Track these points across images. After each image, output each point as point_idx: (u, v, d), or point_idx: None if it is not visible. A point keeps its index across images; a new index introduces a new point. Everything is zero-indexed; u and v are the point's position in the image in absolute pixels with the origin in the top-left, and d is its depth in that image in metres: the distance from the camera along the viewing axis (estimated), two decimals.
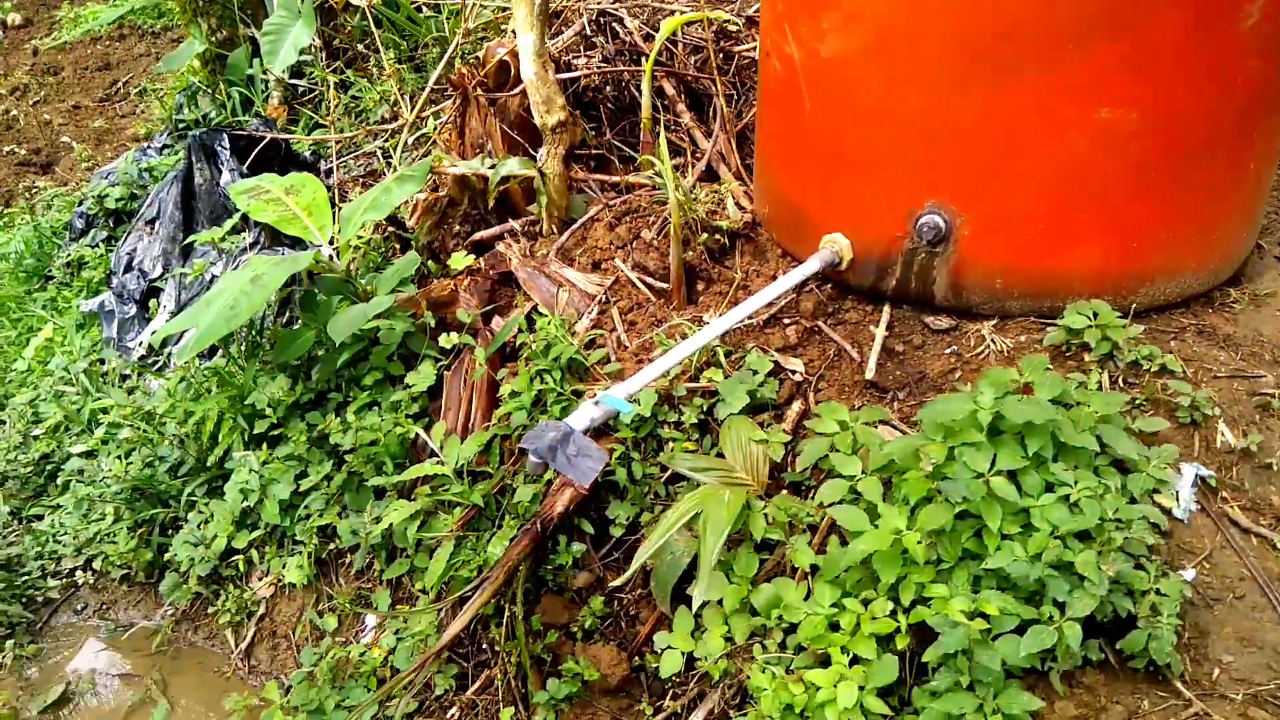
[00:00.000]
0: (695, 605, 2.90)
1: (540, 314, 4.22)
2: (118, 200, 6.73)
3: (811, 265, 3.77)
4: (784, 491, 3.47)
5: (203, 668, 4.26)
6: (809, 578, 3.13)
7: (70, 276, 6.38)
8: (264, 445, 4.31)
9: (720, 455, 3.56)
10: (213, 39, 7.21)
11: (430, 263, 5.13)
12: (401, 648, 3.51)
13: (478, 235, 4.89)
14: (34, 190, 8.18)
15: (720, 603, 3.14)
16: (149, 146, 7.03)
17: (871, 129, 3.55)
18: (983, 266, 3.59)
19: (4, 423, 5.36)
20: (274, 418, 4.31)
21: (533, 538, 3.51)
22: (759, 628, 3.11)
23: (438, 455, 3.90)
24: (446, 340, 4.28)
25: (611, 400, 3.18)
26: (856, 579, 2.94)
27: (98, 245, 6.45)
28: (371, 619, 3.96)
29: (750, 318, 3.92)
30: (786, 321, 4.02)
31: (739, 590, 3.11)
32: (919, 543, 2.76)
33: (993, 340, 3.63)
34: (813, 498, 3.38)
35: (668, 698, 3.40)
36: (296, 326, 4.53)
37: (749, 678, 2.99)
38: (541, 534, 3.53)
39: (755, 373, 3.74)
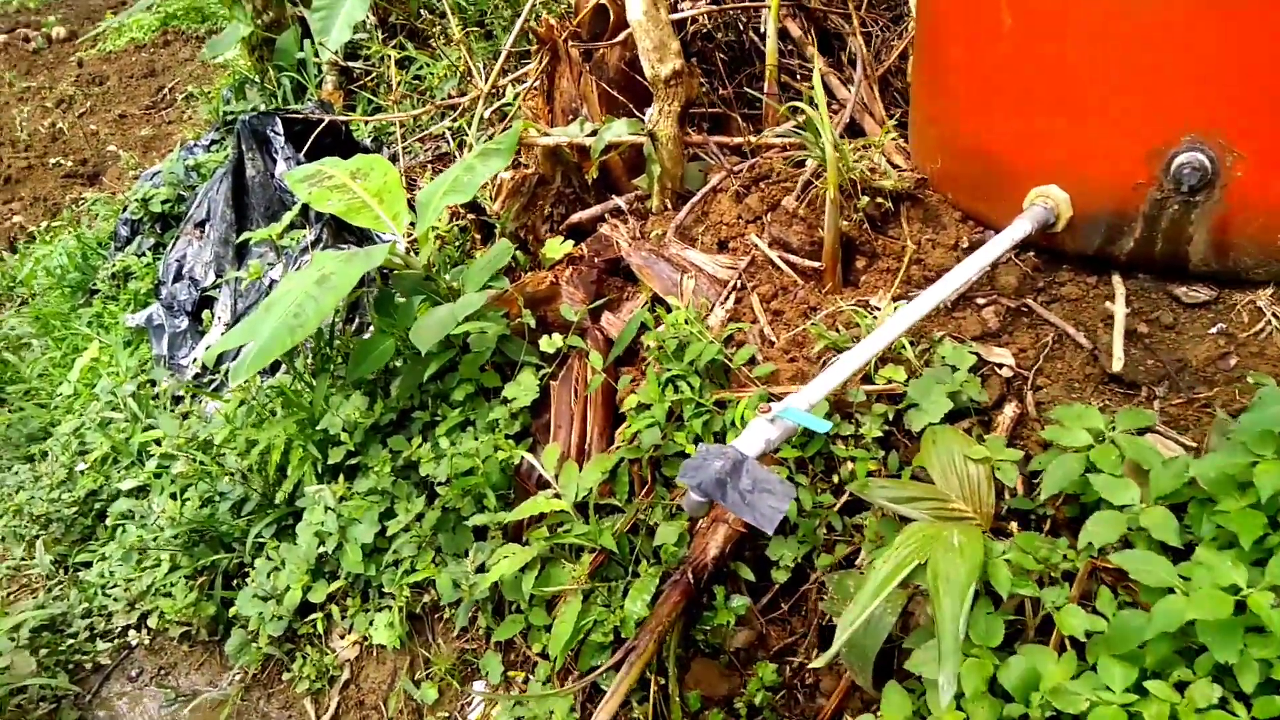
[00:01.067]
0: (944, 694, 2.12)
1: (661, 307, 3.45)
2: (164, 203, 6.16)
3: (1021, 227, 2.95)
4: (1014, 525, 2.66)
5: None
6: (1069, 647, 2.33)
7: (116, 289, 5.82)
8: (340, 478, 3.64)
9: (917, 478, 2.77)
10: (258, 22, 6.61)
11: (518, 254, 4.42)
12: None
13: (575, 217, 4.16)
14: (80, 201, 7.69)
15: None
16: (195, 144, 6.45)
17: (1107, 44, 2.71)
18: (1261, 218, 2.74)
19: (47, 455, 4.79)
20: (350, 444, 3.63)
21: (685, 592, 2.77)
22: (1009, 716, 2.31)
23: (551, 485, 3.17)
24: (549, 344, 3.56)
25: (796, 415, 2.41)
26: (1162, 654, 2.13)
27: (144, 254, 5.88)
28: (480, 689, 3.25)
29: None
30: (981, 302, 3.20)
31: (981, 666, 2.31)
32: (1274, 606, 1.94)
33: (1275, 314, 2.78)
34: (1062, 536, 2.57)
35: None
36: (370, 335, 3.83)
37: None
38: (694, 586, 2.78)
39: (954, 369, 2.93)
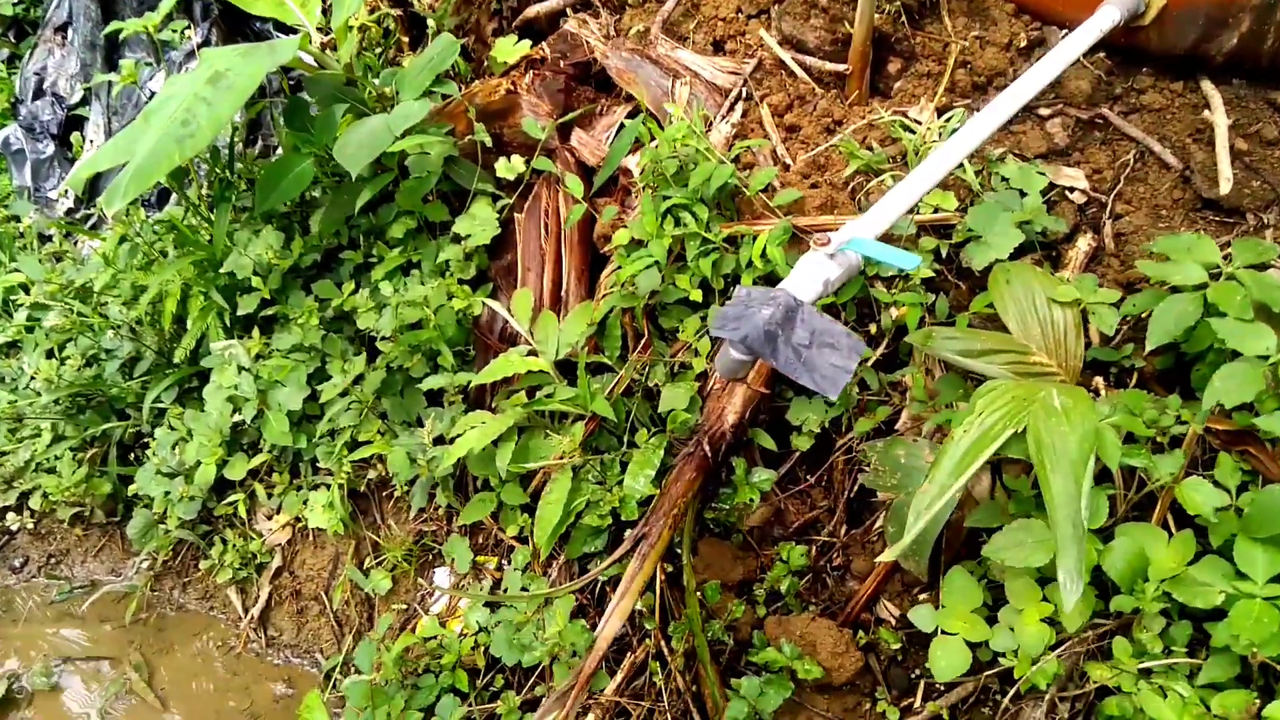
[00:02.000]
0: (1069, 593, 1.70)
1: (652, 122, 2.81)
2: (16, 4, 5.12)
3: (1109, 15, 2.39)
4: (1098, 380, 2.23)
5: (201, 642, 3.09)
6: (1174, 529, 1.95)
7: None
8: (255, 331, 2.98)
9: (976, 326, 2.31)
10: None
11: (460, 60, 3.66)
12: (500, 634, 2.32)
13: (530, 11, 3.42)
14: None
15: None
16: None
17: None
18: None
19: None
20: (265, 291, 2.97)
21: (701, 466, 2.29)
22: (1119, 610, 1.94)
23: (522, 340, 2.61)
24: (508, 168, 2.91)
25: (867, 247, 1.87)
26: None
27: None
28: (444, 577, 2.77)
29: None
30: (1044, 113, 2.66)
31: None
32: None
33: None
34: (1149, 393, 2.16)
35: (927, 698, 2.27)
36: (278, 155, 3.11)
37: (1101, 689, 1.85)
38: (712, 459, 2.30)
39: (1022, 194, 2.41)
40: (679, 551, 2.35)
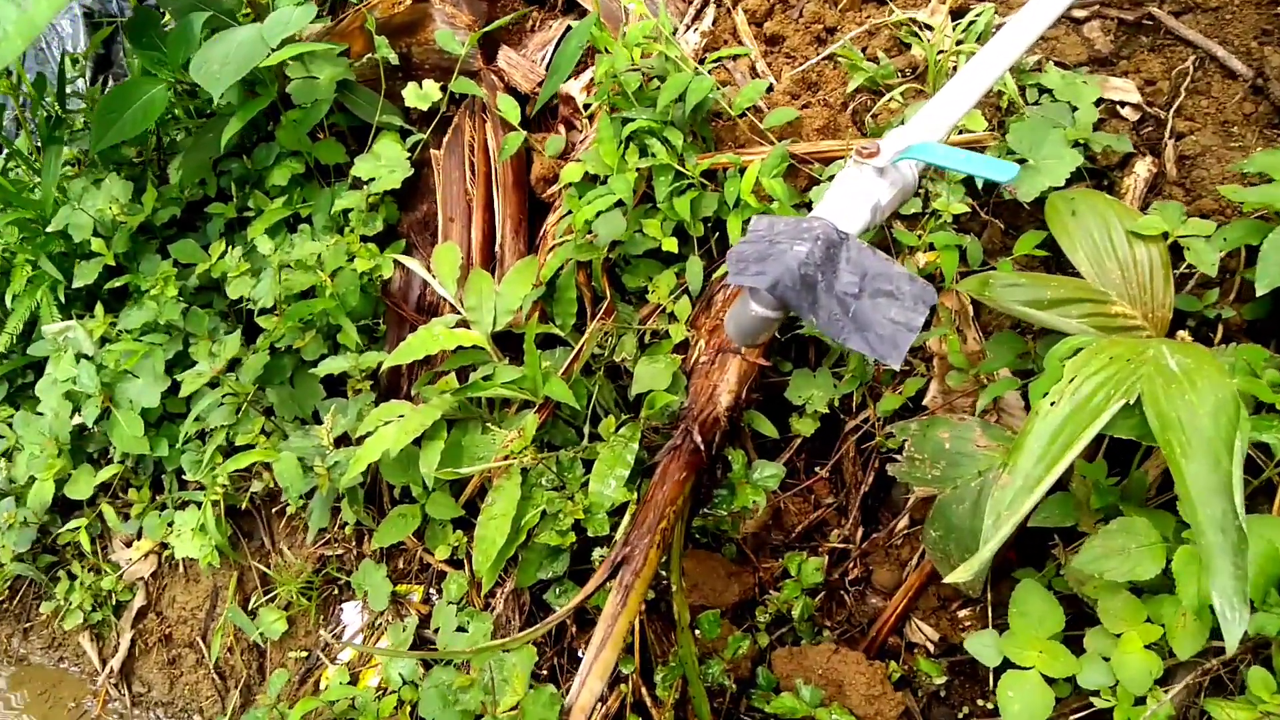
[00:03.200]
0: (1233, 627, 1.25)
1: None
2: None
3: None
4: (1183, 335, 1.79)
5: (47, 702, 2.46)
6: None
7: None
8: (98, 308, 2.35)
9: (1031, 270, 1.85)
10: None
11: None
12: (432, 695, 1.78)
13: None
14: None
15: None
16: None
17: None
18: None
19: None
20: (109, 256, 2.33)
21: (692, 464, 1.77)
22: (1259, 630, 1.50)
23: (450, 306, 2.05)
24: (419, 96, 2.33)
25: (939, 154, 1.38)
26: None
27: None
28: (352, 616, 2.20)
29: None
30: (1081, 14, 2.21)
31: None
32: None
33: None
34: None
35: None
36: (126, 80, 2.47)
37: None
38: (705, 452, 1.79)
39: (1072, 108, 1.96)
40: (665, 574, 1.84)
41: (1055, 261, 1.92)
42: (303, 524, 2.26)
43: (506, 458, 1.88)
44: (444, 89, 2.36)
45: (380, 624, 2.17)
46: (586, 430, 1.99)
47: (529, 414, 1.84)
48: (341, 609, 2.24)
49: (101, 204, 2.40)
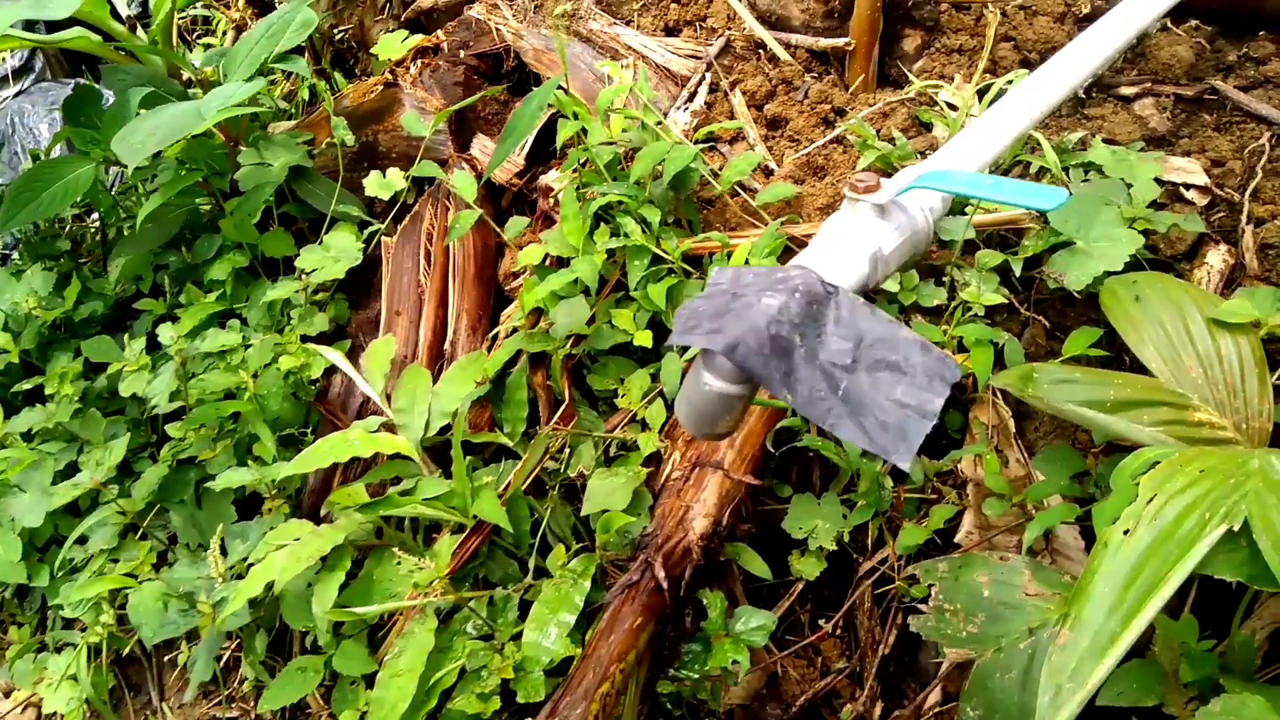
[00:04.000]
0: None
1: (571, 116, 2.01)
2: None
3: None
4: None
5: None
6: None
7: None
8: None
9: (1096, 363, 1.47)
10: None
11: (338, 75, 2.90)
12: None
13: (426, 1, 2.66)
14: None
15: None
16: None
17: None
18: None
19: None
20: (14, 354, 2.05)
21: (651, 608, 1.38)
22: None
23: (379, 411, 1.72)
24: (381, 184, 2.08)
25: (961, 181, 1.04)
26: None
27: None
28: None
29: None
30: (1128, 91, 1.92)
31: None
32: None
33: None
34: None
35: None
36: (52, 158, 2.26)
37: None
38: (670, 593, 1.39)
39: (1126, 185, 1.64)
40: None
41: (1114, 366, 1.55)
42: (192, 671, 1.85)
43: (424, 594, 1.49)
44: (408, 174, 2.11)
45: None
46: (533, 564, 1.60)
47: (447, 539, 1.46)
48: None
49: (19, 297, 2.15)
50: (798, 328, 0.97)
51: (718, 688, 1.57)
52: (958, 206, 1.74)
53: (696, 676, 1.46)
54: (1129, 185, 1.66)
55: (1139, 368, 1.41)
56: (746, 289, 1.00)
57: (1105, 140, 1.82)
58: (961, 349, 1.64)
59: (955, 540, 1.61)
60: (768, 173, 2.00)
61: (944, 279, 1.70)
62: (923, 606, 1.44)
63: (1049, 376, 1.33)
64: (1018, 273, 1.66)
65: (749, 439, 1.62)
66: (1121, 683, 1.27)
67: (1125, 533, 1.08)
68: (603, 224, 1.78)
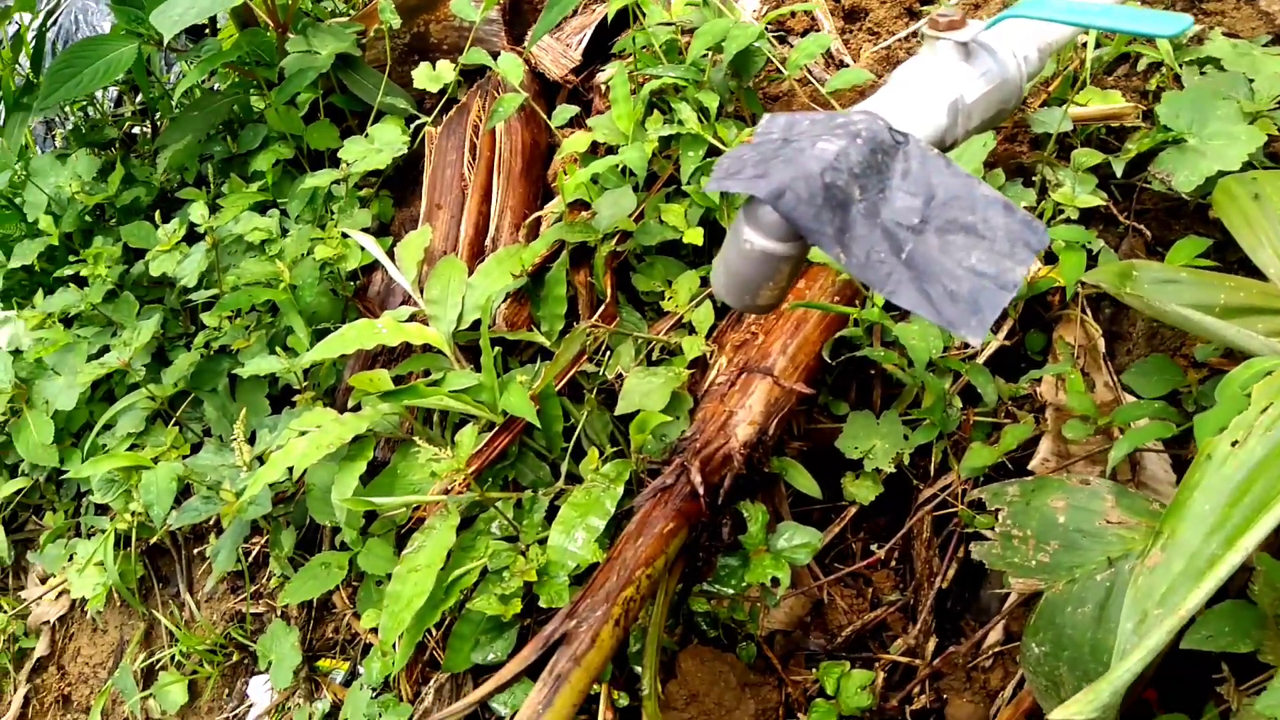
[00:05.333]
0: None
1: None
2: None
3: None
4: None
5: None
6: None
7: None
8: (39, 295, 2.02)
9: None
10: None
11: None
12: None
13: None
14: None
15: None
16: None
17: None
18: None
19: None
20: (55, 236, 2.01)
21: (685, 514, 1.26)
22: None
23: (410, 299, 1.63)
24: (430, 76, 1.96)
25: (1063, 9, 0.88)
26: None
27: None
28: (260, 690, 1.72)
29: None
30: None
31: None
32: None
33: None
34: None
35: None
36: (94, 35, 2.21)
37: None
38: (707, 503, 1.27)
39: (1248, 81, 1.45)
40: (640, 671, 1.31)
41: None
42: (217, 565, 1.81)
43: (446, 490, 1.41)
44: (456, 66, 2.00)
45: (290, 706, 1.69)
46: (565, 468, 1.51)
47: (468, 431, 1.37)
48: (249, 682, 1.77)
49: (63, 180, 2.11)
50: (858, 178, 0.84)
51: (756, 610, 1.46)
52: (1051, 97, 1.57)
53: (732, 593, 1.36)
54: (1250, 81, 1.46)
55: (1253, 276, 1.24)
56: (800, 135, 0.87)
57: (1225, 33, 1.61)
58: (1050, 259, 1.48)
59: (1029, 468, 1.46)
60: (841, 67, 1.84)
61: (1034, 179, 1.53)
62: (987, 534, 1.30)
63: (1151, 275, 1.17)
64: (1119, 174, 1.49)
65: (804, 346, 1.48)
66: (1212, 624, 1.13)
67: (1233, 444, 0.93)
68: (656, 111, 1.65)
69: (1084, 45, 1.64)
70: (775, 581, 1.32)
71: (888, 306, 1.46)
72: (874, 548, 1.54)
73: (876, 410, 1.56)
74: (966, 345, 1.54)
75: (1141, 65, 1.68)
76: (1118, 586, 1.18)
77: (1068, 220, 1.45)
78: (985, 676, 1.46)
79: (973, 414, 1.52)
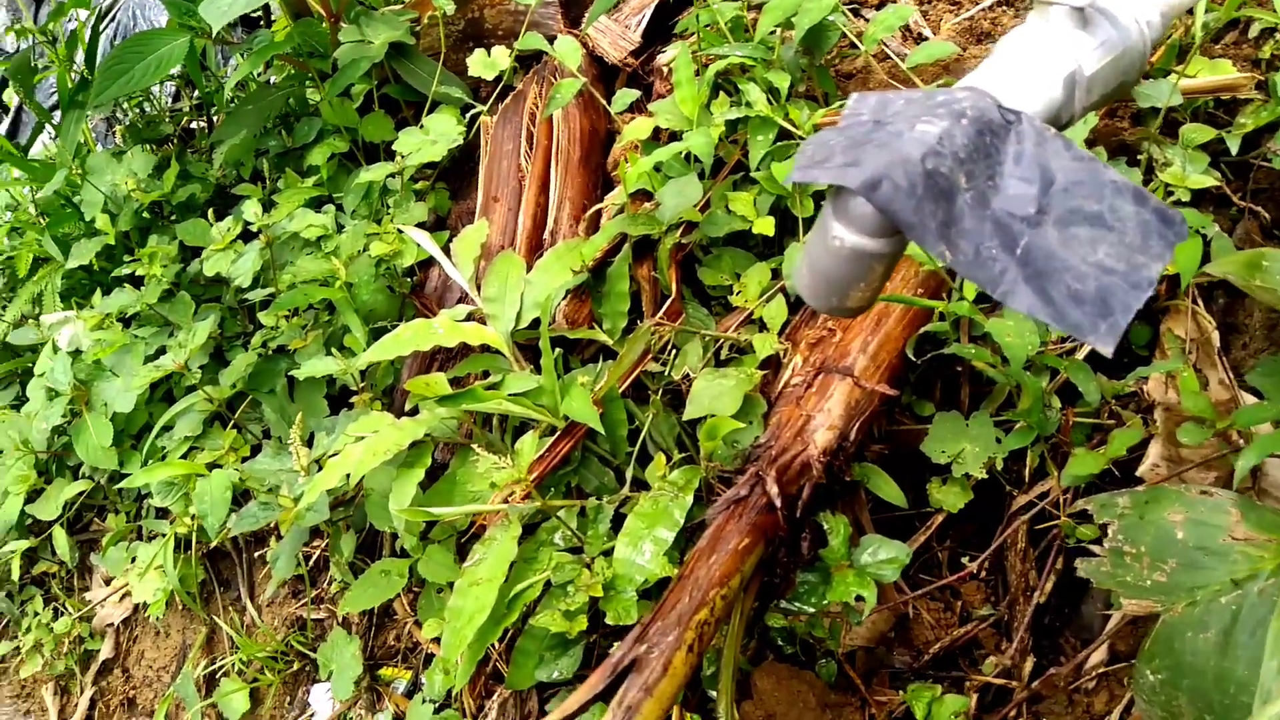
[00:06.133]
0: None
1: None
2: None
3: None
4: None
5: None
6: None
7: None
8: (96, 295, 2.01)
9: None
10: None
11: None
12: None
13: None
14: None
15: None
16: None
17: None
18: None
19: None
20: (111, 235, 1.99)
21: (761, 528, 1.17)
22: None
23: (467, 297, 1.57)
24: (485, 63, 1.90)
25: None
26: None
27: None
28: (322, 699, 1.69)
29: None
30: None
31: None
32: None
33: None
34: None
35: None
36: (146, 30, 2.18)
37: None
38: (785, 516, 1.18)
39: None
40: (713, 695, 1.24)
41: None
42: (278, 570, 1.77)
43: (506, 499, 1.34)
44: (512, 52, 1.93)
45: (352, 716, 1.65)
46: (630, 474, 1.43)
47: (529, 438, 1.30)
48: (310, 690, 1.74)
49: (120, 176, 2.09)
50: (964, 164, 0.74)
51: (838, 626, 1.37)
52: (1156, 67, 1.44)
53: (812, 611, 1.27)
54: None
55: None
56: (895, 117, 0.77)
57: None
58: None
59: (1136, 474, 1.34)
60: (921, 40, 1.72)
61: (1139, 158, 1.40)
62: (1095, 548, 1.19)
63: None
64: (1234, 152, 1.35)
65: (886, 344, 1.38)
66: None
67: None
68: (722, 93, 1.55)
69: (1190, 10, 1.50)
70: (860, 600, 1.22)
71: (978, 299, 1.35)
72: (964, 559, 1.44)
73: (965, 411, 1.46)
74: (1064, 339, 1.42)
75: (1254, 31, 1.53)
76: (1245, 611, 1.07)
77: (1179, 203, 1.33)
78: (1089, 700, 1.35)
79: (1072, 415, 1.40)
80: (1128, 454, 1.33)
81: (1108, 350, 0.71)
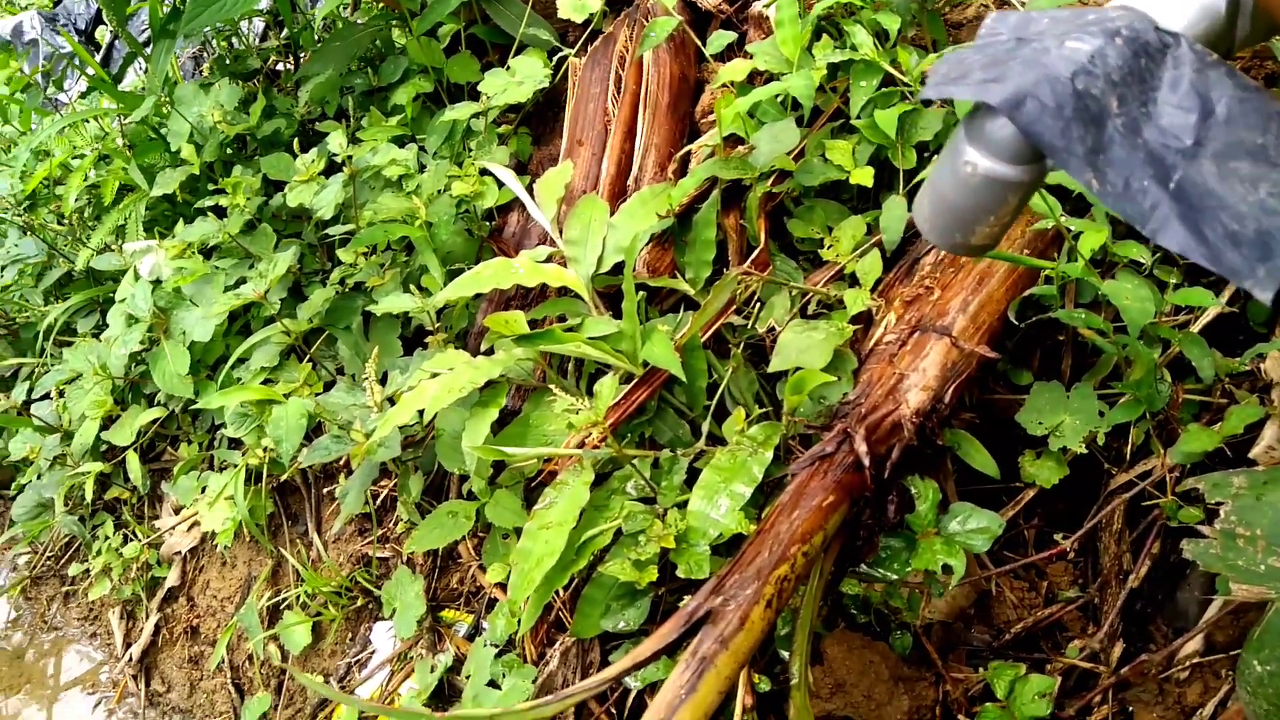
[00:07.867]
0: None
1: None
2: None
3: None
4: None
5: (59, 688, 2.13)
6: None
7: None
8: (179, 225, 2.03)
9: None
10: None
11: None
12: None
13: None
14: None
15: None
16: None
17: None
18: None
19: None
20: (196, 166, 2.01)
21: (847, 485, 1.12)
22: None
23: (548, 239, 1.54)
24: (575, 6, 1.85)
25: None
26: None
27: None
28: (383, 637, 1.70)
29: None
30: None
31: None
32: None
33: None
34: None
35: None
36: None
37: None
38: (872, 476, 1.13)
39: None
40: (785, 655, 1.20)
41: None
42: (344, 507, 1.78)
43: (580, 444, 1.32)
44: None
45: (413, 655, 1.66)
46: (706, 428, 1.39)
47: (609, 382, 1.27)
48: (371, 628, 1.75)
49: (207, 109, 2.10)
50: (1116, 87, 0.68)
51: (916, 597, 1.32)
52: None
53: (894, 578, 1.22)
54: None
55: None
56: (1041, 34, 0.72)
57: None
58: None
59: (1248, 456, 1.27)
60: None
61: None
62: (1205, 529, 1.13)
63: None
64: None
65: (987, 304, 1.32)
66: None
67: None
68: (825, 36, 1.49)
69: None
70: (947, 569, 1.18)
71: (1095, 262, 1.28)
72: (1058, 537, 1.38)
73: (1066, 381, 1.39)
74: (1180, 310, 1.34)
75: None
76: None
77: None
78: (1181, 690, 1.29)
79: (1181, 390, 1.32)
80: (1244, 433, 1.26)
81: (1265, 297, 0.65)
